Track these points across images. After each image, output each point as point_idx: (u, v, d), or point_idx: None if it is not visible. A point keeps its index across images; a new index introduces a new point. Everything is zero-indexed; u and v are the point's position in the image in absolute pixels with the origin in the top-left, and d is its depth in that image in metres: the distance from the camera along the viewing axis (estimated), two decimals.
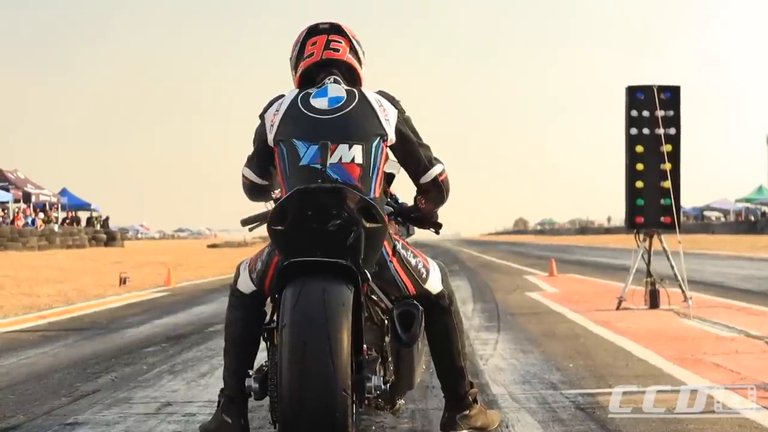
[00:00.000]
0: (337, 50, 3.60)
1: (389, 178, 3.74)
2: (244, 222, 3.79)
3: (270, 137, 3.47)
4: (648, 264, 9.73)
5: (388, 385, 3.42)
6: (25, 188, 43.79)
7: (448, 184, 3.66)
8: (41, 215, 42.77)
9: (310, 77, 3.60)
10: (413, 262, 3.51)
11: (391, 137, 3.45)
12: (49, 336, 8.29)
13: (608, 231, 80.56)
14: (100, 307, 11.57)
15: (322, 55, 3.59)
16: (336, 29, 3.63)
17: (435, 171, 3.59)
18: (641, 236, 9.91)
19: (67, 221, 45.87)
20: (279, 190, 3.71)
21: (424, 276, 3.52)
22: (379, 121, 3.42)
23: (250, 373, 3.33)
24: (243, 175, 3.70)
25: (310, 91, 3.49)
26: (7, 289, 14.41)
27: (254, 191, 3.74)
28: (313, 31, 3.64)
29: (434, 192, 3.66)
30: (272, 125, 3.47)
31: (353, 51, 3.62)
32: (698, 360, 5.96)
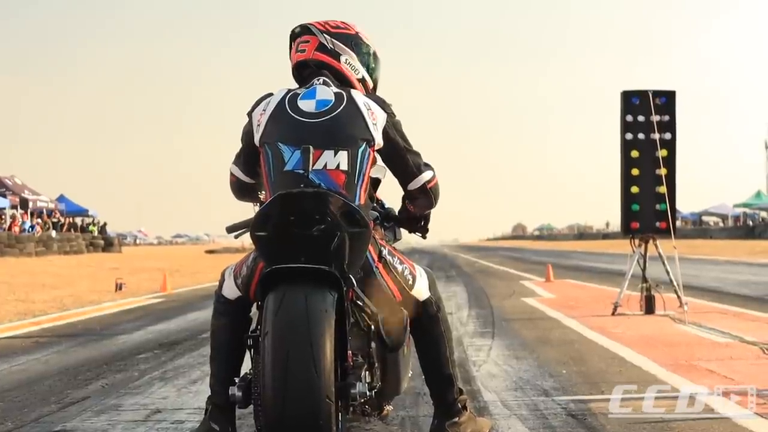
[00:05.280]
0: (303, 51, 3.60)
1: (375, 182, 3.70)
2: (230, 229, 3.76)
3: (256, 137, 3.45)
4: (643, 269, 9.71)
5: (374, 391, 3.39)
6: (23, 194, 43.74)
7: (437, 191, 3.61)
8: (38, 221, 42.71)
9: (303, 78, 3.60)
10: (399, 268, 3.48)
11: (378, 142, 3.42)
12: (42, 342, 8.26)
13: (606, 236, 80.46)
14: (94, 314, 11.54)
15: (295, 59, 3.61)
16: (305, 29, 3.62)
17: (424, 178, 3.55)
18: (637, 241, 9.89)
19: (64, 227, 45.78)
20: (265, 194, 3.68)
21: (410, 282, 3.49)
22: (366, 126, 3.39)
23: (236, 381, 3.30)
24: (231, 173, 3.67)
25: (298, 91, 3.47)
26: (3, 295, 14.38)
27: (241, 189, 3.71)
28: (292, 36, 3.67)
29: (422, 199, 3.62)
30: (259, 125, 3.44)
31: (322, 47, 3.58)
32: (692, 366, 5.93)
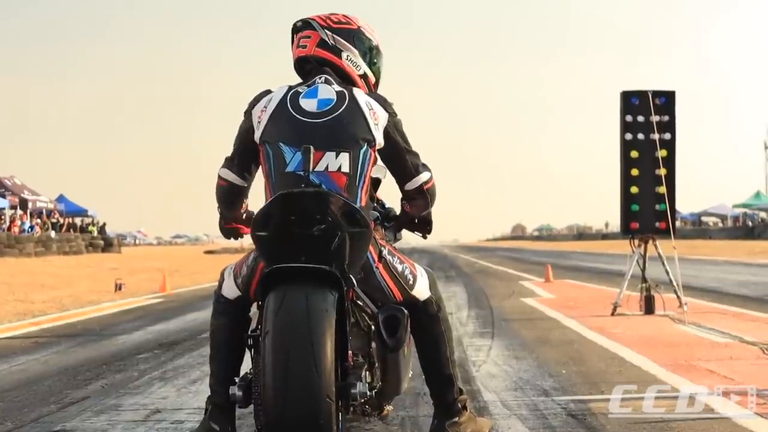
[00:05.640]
0: (304, 46, 3.58)
1: (375, 182, 3.70)
2: (225, 231, 3.76)
3: (257, 135, 3.42)
4: (643, 270, 9.71)
5: (374, 391, 3.38)
6: (22, 194, 43.72)
7: (433, 192, 3.60)
8: (37, 221, 42.70)
9: (306, 72, 3.59)
10: (400, 268, 3.47)
11: (379, 141, 3.41)
12: (41, 342, 8.26)
13: (606, 236, 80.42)
14: (94, 314, 11.54)
15: (296, 55, 3.60)
16: (306, 24, 3.60)
17: (421, 179, 3.54)
18: (636, 242, 9.89)
19: (63, 228, 45.77)
20: (247, 200, 3.66)
21: (411, 282, 3.49)
22: (368, 126, 3.37)
23: (236, 381, 3.30)
24: (220, 177, 3.59)
25: (299, 90, 3.44)
26: (2, 295, 14.37)
27: (230, 194, 3.62)
28: (294, 30, 3.65)
29: (419, 199, 3.61)
30: (259, 122, 3.41)
31: (323, 43, 3.55)
32: (692, 366, 5.93)
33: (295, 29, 3.63)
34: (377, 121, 3.40)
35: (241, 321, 3.46)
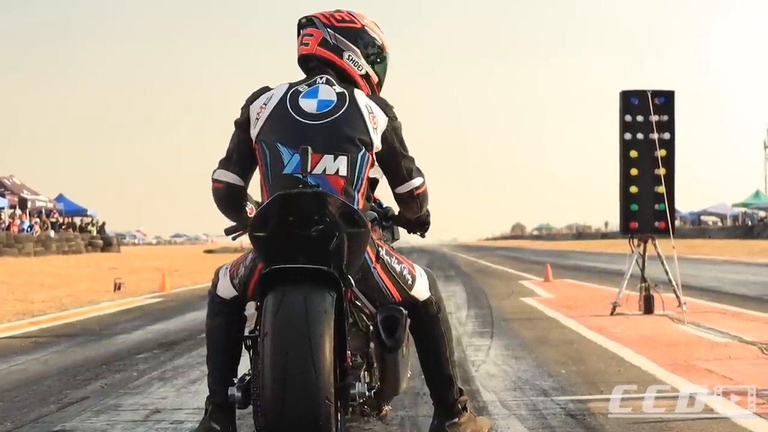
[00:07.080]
0: (307, 44, 3.55)
1: (373, 183, 3.69)
2: (228, 231, 3.75)
3: (254, 132, 3.38)
4: (642, 269, 9.71)
5: (373, 391, 3.38)
6: (21, 194, 43.70)
7: (424, 198, 3.58)
8: (37, 220, 42.69)
9: (309, 69, 3.56)
10: (398, 268, 3.46)
11: (377, 145, 3.38)
12: (40, 342, 8.25)
13: (605, 236, 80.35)
14: (93, 313, 11.54)
15: (299, 52, 3.59)
16: (310, 21, 3.57)
17: (413, 184, 3.52)
18: (636, 241, 9.90)
19: (63, 227, 45.76)
20: (251, 204, 3.61)
21: (409, 282, 3.47)
22: (367, 130, 3.34)
23: (234, 381, 3.29)
24: (217, 180, 3.47)
25: (300, 89, 3.40)
26: (1, 295, 14.36)
27: (230, 197, 3.49)
28: (299, 26, 3.62)
29: (409, 203, 3.59)
30: (258, 119, 3.38)
31: (324, 42, 3.52)
32: (691, 366, 5.93)
33: (300, 26, 3.60)
34: (376, 125, 3.38)
35: (236, 321, 3.46)
